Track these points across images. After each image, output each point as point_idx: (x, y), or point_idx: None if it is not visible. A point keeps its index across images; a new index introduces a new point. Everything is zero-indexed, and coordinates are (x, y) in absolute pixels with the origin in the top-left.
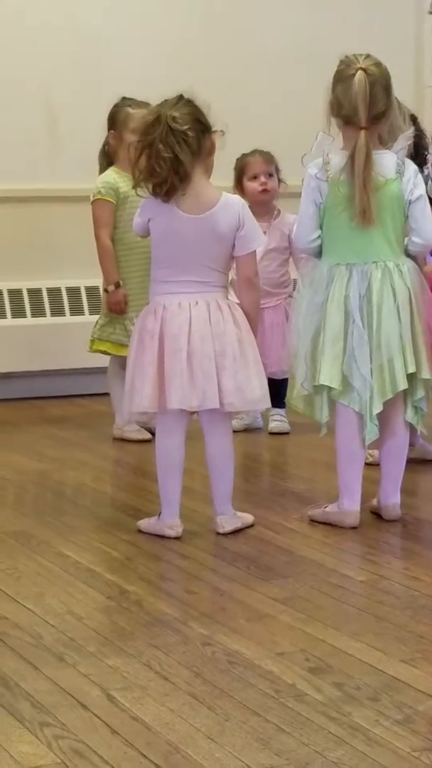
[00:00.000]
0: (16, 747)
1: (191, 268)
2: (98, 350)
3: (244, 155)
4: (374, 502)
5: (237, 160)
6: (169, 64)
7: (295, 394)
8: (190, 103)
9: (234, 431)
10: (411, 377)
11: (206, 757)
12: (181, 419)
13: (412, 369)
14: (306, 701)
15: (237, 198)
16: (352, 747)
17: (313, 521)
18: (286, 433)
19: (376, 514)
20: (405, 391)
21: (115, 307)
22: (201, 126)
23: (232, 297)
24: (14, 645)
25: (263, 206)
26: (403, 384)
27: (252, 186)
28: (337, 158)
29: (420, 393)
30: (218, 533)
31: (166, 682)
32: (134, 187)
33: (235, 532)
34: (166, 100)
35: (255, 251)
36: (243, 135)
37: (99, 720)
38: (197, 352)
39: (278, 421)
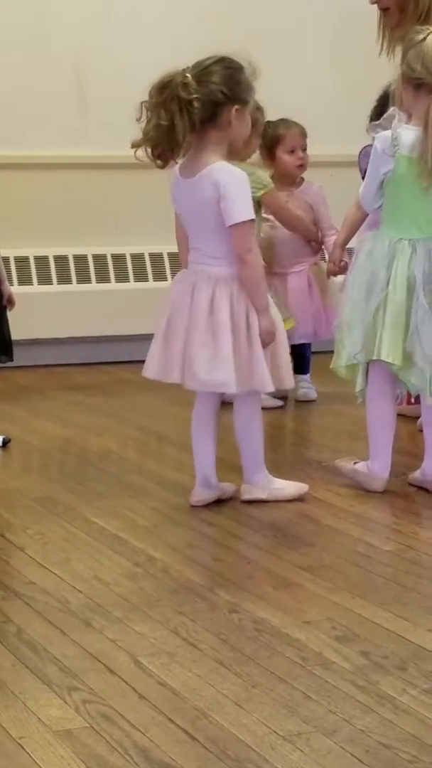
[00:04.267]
0: (45, 711)
1: (194, 235)
2: None
3: (276, 125)
4: (416, 474)
5: (266, 128)
6: (199, 26)
7: (344, 362)
8: (222, 70)
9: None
10: None
11: (233, 723)
12: None
13: None
14: (333, 669)
15: (224, 168)
16: (379, 715)
17: (338, 472)
18: (313, 401)
19: (419, 487)
20: None
21: None
22: (221, 97)
23: None
24: (42, 610)
25: (292, 178)
26: None
27: (290, 160)
28: (408, 134)
29: None
30: (242, 501)
31: (194, 649)
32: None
33: (259, 501)
34: (199, 62)
35: (246, 226)
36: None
37: (126, 685)
38: (184, 326)
39: (306, 388)
